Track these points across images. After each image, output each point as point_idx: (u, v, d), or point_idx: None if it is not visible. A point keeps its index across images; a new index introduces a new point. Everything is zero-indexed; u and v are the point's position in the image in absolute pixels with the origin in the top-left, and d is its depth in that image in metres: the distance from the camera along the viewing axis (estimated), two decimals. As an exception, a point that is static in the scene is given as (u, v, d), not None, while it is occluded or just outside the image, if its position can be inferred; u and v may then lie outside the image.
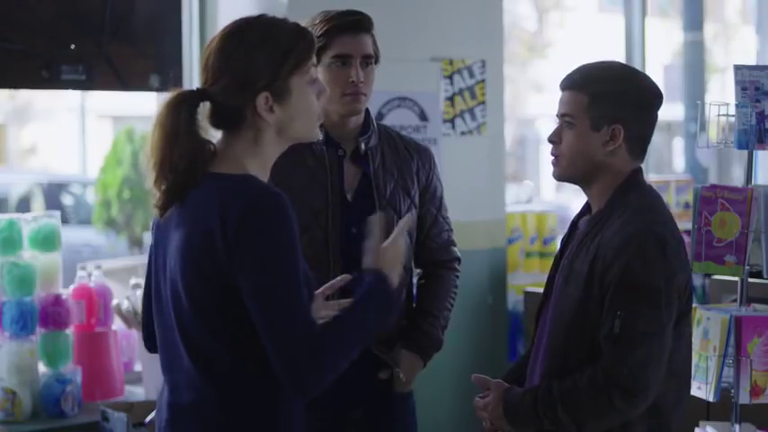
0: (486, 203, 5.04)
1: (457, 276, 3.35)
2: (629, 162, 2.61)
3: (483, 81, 5.01)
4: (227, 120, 2.29)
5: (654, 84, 2.65)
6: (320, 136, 2.43)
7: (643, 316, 2.45)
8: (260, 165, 2.31)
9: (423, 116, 4.83)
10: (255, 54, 2.26)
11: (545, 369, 2.59)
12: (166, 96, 2.29)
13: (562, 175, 2.65)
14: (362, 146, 3.13)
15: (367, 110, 3.18)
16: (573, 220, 2.76)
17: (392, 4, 4.79)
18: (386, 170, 3.15)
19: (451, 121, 4.92)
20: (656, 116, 2.65)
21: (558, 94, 2.67)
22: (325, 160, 3.08)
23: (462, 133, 4.95)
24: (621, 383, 2.44)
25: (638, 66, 6.56)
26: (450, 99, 4.92)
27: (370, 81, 3.10)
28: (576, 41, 14.70)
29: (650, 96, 2.63)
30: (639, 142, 2.62)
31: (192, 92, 2.31)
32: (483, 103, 5.01)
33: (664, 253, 2.50)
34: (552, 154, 2.64)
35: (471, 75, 4.97)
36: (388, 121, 4.74)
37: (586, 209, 2.71)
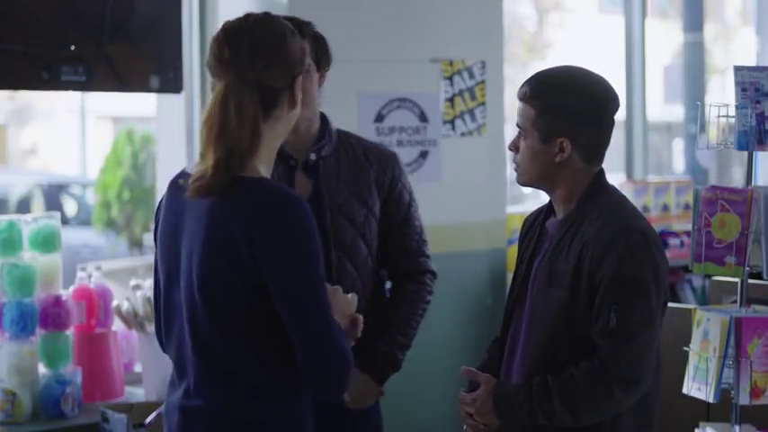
0: (487, 204, 5.04)
1: (428, 291, 3.24)
2: (585, 168, 2.67)
3: (483, 82, 5.01)
4: (266, 104, 2.31)
5: (607, 89, 2.69)
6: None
7: (636, 308, 2.53)
8: (266, 165, 2.34)
9: (423, 117, 4.83)
10: (294, 42, 2.35)
11: (529, 366, 2.63)
12: (231, 79, 2.27)
13: (521, 181, 2.73)
14: (312, 156, 3.08)
15: (324, 117, 3.13)
16: (536, 222, 2.80)
17: (392, 5, 4.79)
18: (340, 179, 3.09)
19: (451, 122, 4.92)
20: (609, 121, 2.69)
21: None
22: (275, 173, 2.97)
23: (462, 134, 4.95)
24: (621, 374, 2.51)
25: (637, 67, 6.56)
26: (450, 100, 4.92)
27: (312, 89, 3.01)
28: (576, 42, 14.70)
29: (601, 105, 2.67)
30: (593, 150, 2.68)
31: (242, 74, 2.29)
32: (483, 104, 5.01)
33: (649, 247, 2.58)
34: (513, 161, 2.72)
35: (471, 76, 4.97)
36: (387, 123, 4.74)
37: (550, 211, 2.76)
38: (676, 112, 9.40)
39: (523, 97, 2.66)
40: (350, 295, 2.43)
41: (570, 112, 2.63)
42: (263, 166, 2.32)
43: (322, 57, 3.06)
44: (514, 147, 2.69)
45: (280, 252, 2.21)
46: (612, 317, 2.51)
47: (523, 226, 2.86)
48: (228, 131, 2.25)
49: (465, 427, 2.71)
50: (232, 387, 2.27)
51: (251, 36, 2.32)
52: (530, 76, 2.69)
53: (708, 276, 4.37)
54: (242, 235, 2.21)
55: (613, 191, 2.70)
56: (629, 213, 2.65)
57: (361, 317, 2.44)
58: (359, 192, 3.09)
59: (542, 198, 2.78)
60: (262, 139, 2.29)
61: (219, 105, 2.27)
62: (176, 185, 2.39)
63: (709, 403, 2.98)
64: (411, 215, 3.18)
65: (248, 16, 2.37)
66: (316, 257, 2.24)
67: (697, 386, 2.95)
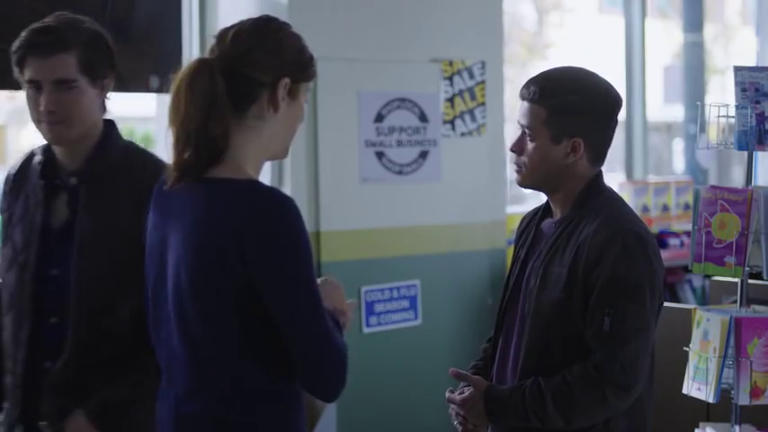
0: (487, 205, 5.05)
1: None
2: (589, 169, 2.65)
3: (483, 82, 5.01)
4: (240, 96, 2.24)
5: (612, 89, 2.68)
6: (286, 156, 2.38)
7: (631, 313, 2.52)
8: (254, 167, 2.28)
9: (422, 117, 4.83)
10: (290, 42, 2.29)
11: (521, 367, 2.62)
12: (194, 61, 2.24)
13: (525, 183, 2.68)
14: (72, 180, 2.71)
15: (107, 133, 2.76)
16: (533, 222, 2.78)
17: (392, 5, 4.79)
18: (96, 207, 2.68)
19: (451, 122, 4.92)
20: (615, 121, 2.68)
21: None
22: (39, 192, 2.73)
23: (462, 134, 4.95)
24: (615, 379, 2.50)
25: (637, 67, 6.57)
26: (450, 100, 4.92)
27: (72, 106, 2.65)
28: (576, 42, 14.69)
29: (608, 105, 2.66)
30: (599, 149, 2.67)
31: (214, 59, 2.24)
32: (483, 104, 5.01)
33: (645, 251, 2.56)
34: (514, 163, 2.67)
35: (471, 76, 4.97)
36: (387, 122, 4.74)
37: (547, 211, 2.74)
38: (676, 112, 9.38)
39: (532, 97, 2.61)
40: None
41: (582, 111, 2.60)
42: (252, 168, 2.27)
43: (98, 67, 2.70)
44: (518, 148, 2.65)
45: (270, 260, 2.16)
46: (606, 321, 2.50)
47: (520, 225, 2.85)
48: (178, 110, 2.19)
49: (455, 423, 2.71)
50: (224, 393, 2.24)
51: (239, 27, 2.28)
52: (533, 76, 2.65)
53: (708, 276, 4.37)
54: (233, 242, 2.16)
55: (611, 193, 2.69)
56: (627, 216, 2.63)
57: (350, 307, 2.39)
58: (124, 223, 2.66)
59: (542, 198, 2.77)
60: (227, 128, 2.22)
61: (173, 88, 2.22)
62: (160, 189, 2.33)
63: (709, 403, 2.98)
64: None
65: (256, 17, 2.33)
66: (307, 263, 2.19)
67: (697, 386, 2.95)
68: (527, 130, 2.63)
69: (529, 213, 2.84)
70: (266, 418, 2.26)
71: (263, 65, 2.24)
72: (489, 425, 2.65)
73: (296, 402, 2.31)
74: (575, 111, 2.60)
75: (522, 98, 2.65)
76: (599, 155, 2.66)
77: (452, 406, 2.70)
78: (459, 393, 2.69)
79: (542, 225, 2.73)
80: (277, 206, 2.18)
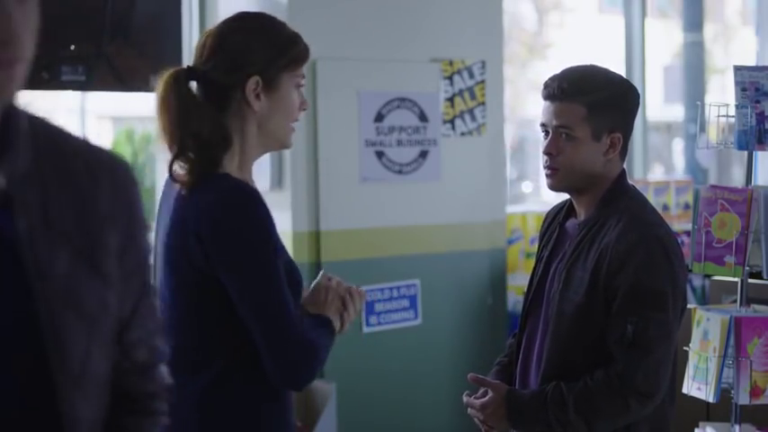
0: (487, 204, 5.05)
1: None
2: (619, 165, 2.64)
3: (483, 82, 5.01)
4: (214, 98, 2.28)
5: (629, 81, 2.68)
6: (291, 146, 2.38)
7: (654, 321, 2.48)
8: (238, 165, 2.29)
9: (422, 117, 4.83)
10: (255, 38, 2.29)
11: (544, 368, 2.60)
12: (161, 76, 2.27)
13: (559, 186, 2.62)
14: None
15: (13, 113, 1.46)
16: (556, 220, 2.74)
17: (392, 5, 4.79)
18: (50, 223, 1.43)
19: (451, 121, 4.92)
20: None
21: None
22: None
23: (462, 134, 4.95)
24: (637, 387, 2.48)
25: (637, 67, 6.57)
26: (450, 100, 4.92)
27: None
28: (576, 42, 14.69)
29: (634, 97, 2.64)
30: (626, 143, 2.65)
31: (182, 68, 2.30)
32: (483, 103, 5.01)
33: (667, 257, 2.52)
34: (549, 166, 2.60)
35: (471, 75, 4.97)
36: (387, 122, 4.74)
37: (570, 210, 2.71)
38: (676, 112, 9.38)
39: (566, 95, 2.55)
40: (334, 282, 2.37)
41: (616, 105, 2.58)
42: (233, 170, 2.27)
43: None
44: (555, 149, 2.57)
45: (228, 249, 2.17)
46: (629, 329, 2.47)
47: (543, 224, 2.79)
48: (159, 119, 2.26)
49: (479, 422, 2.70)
50: (201, 389, 2.26)
51: (213, 29, 2.32)
52: (553, 76, 2.59)
53: (708, 276, 4.38)
54: (194, 231, 2.18)
55: (634, 193, 2.64)
56: (649, 219, 2.58)
57: (355, 297, 2.37)
58: (89, 244, 1.56)
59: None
60: (217, 127, 2.25)
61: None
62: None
63: (709, 403, 2.98)
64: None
65: (231, 15, 2.37)
66: (265, 251, 2.18)
67: (697, 386, 2.95)
68: (564, 130, 2.56)
69: (551, 211, 2.78)
70: (236, 415, 2.25)
71: (223, 67, 2.27)
72: (510, 429, 2.63)
73: (275, 402, 2.29)
74: (611, 105, 2.57)
75: (551, 98, 2.57)
76: (625, 149, 2.64)
77: (472, 411, 2.67)
78: (479, 397, 2.66)
79: (566, 225, 2.68)
80: (233, 191, 2.20)
